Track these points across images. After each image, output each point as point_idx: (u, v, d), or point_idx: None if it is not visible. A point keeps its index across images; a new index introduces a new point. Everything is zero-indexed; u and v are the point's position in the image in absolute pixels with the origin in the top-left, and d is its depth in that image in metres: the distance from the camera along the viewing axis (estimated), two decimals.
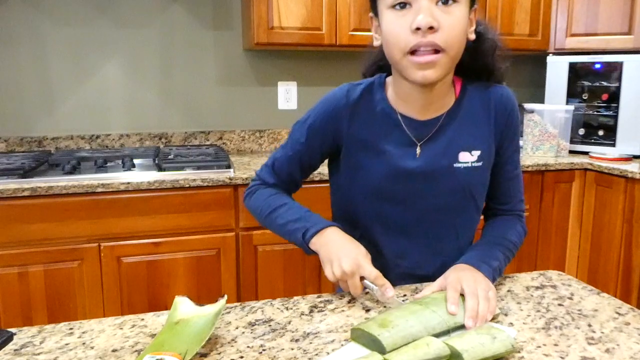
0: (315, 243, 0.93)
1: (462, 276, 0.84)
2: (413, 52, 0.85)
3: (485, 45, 0.98)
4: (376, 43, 0.96)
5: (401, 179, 0.97)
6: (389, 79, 1.01)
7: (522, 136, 2.45)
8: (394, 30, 0.86)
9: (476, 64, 0.99)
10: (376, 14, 0.93)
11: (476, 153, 0.98)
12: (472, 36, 0.93)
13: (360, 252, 0.89)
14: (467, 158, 0.98)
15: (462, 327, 0.76)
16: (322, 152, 1.04)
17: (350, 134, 0.99)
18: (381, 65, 1.05)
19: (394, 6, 0.86)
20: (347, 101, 0.99)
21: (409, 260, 1.02)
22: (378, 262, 0.93)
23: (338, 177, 1.06)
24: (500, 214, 1.07)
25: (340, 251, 0.88)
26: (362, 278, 0.86)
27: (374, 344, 0.69)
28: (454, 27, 0.85)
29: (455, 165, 0.97)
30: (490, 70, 1.00)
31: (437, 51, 0.85)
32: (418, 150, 0.97)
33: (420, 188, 0.98)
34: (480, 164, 0.99)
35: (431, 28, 0.83)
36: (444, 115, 0.97)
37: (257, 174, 1.10)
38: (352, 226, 1.01)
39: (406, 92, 0.96)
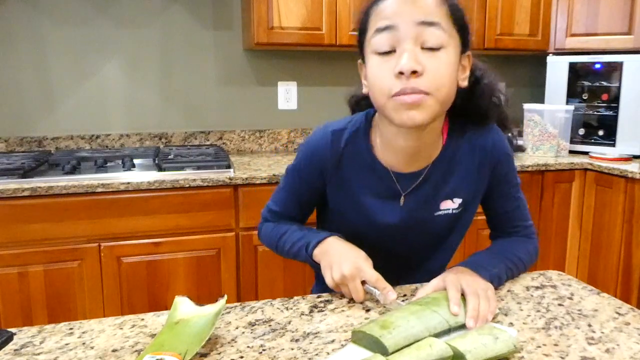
0: (317, 254, 0.94)
1: (461, 276, 0.84)
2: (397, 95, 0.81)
3: (480, 90, 0.94)
4: (365, 90, 0.91)
5: (380, 230, 0.99)
6: (376, 120, 0.96)
7: (521, 136, 2.45)
8: (378, 74, 0.83)
9: (469, 105, 0.94)
10: (364, 60, 0.90)
11: (457, 201, 0.97)
12: (464, 83, 0.88)
13: (360, 256, 0.89)
14: (449, 205, 0.97)
15: (462, 326, 0.76)
16: (316, 190, 1.03)
17: (333, 183, 1.00)
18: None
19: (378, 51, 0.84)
20: (331, 151, 0.97)
21: (387, 276, 1.03)
22: None
23: (325, 207, 1.06)
24: (508, 237, 1.06)
25: (340, 257, 0.89)
26: (363, 283, 0.86)
27: (376, 346, 0.68)
28: (439, 71, 0.80)
29: (436, 213, 0.98)
30: (483, 114, 0.96)
31: (422, 92, 0.80)
32: (402, 200, 0.96)
33: (400, 235, 0.99)
34: (460, 209, 0.99)
35: (414, 72, 0.79)
36: (428, 167, 0.95)
37: (261, 213, 1.11)
38: None
39: (393, 139, 0.92)
